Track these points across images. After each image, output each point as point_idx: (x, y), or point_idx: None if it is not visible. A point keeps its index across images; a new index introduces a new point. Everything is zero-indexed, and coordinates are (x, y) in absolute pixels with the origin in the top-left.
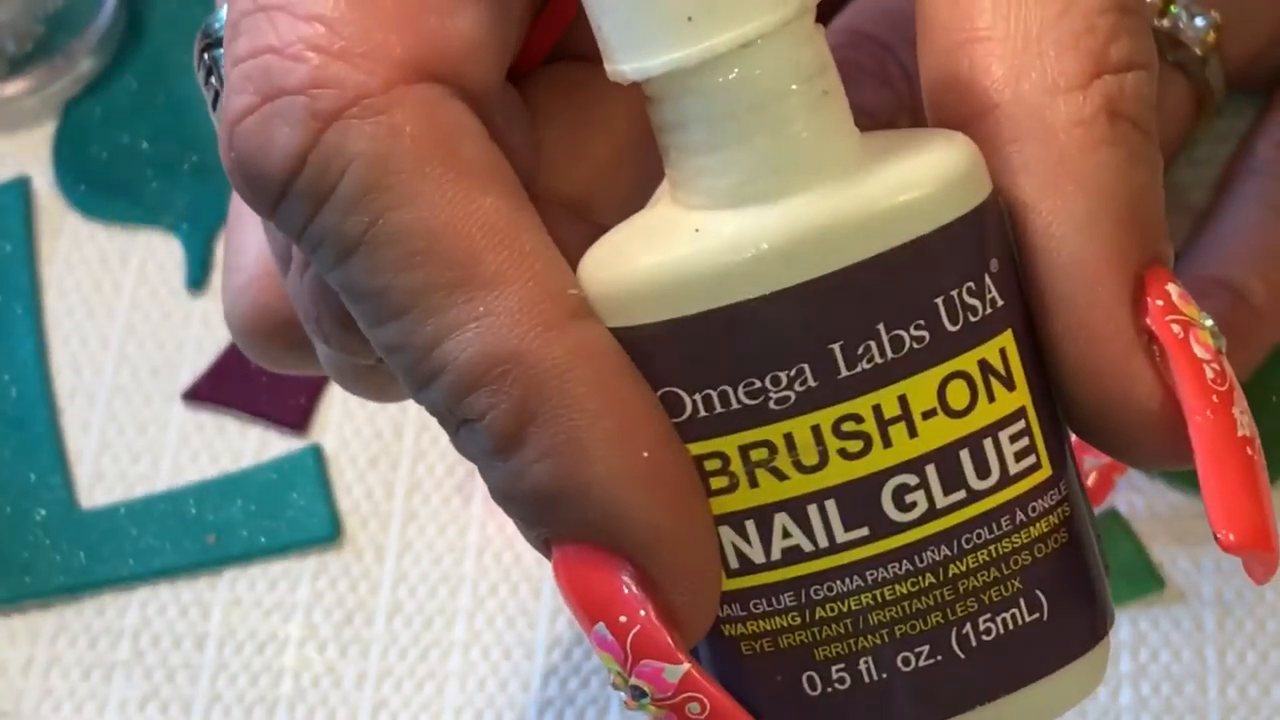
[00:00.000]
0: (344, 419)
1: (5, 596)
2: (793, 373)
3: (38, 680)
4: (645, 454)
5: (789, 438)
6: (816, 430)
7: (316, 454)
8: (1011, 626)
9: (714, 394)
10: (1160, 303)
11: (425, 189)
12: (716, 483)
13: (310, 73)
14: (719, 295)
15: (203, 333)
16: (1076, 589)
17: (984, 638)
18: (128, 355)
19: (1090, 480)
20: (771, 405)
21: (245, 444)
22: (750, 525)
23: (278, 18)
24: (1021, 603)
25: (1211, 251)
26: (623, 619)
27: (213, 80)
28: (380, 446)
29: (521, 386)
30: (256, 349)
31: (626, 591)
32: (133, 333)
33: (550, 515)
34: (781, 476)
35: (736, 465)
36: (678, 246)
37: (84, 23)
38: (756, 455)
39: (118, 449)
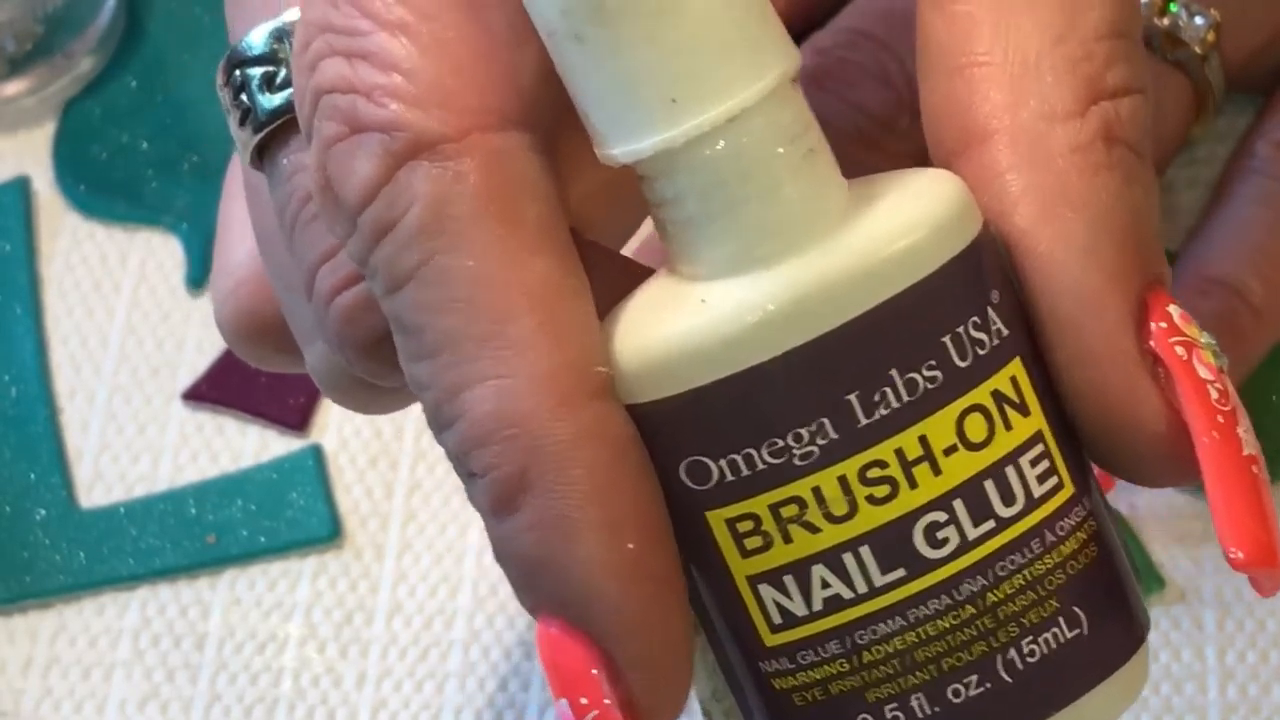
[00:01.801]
0: (344, 419)
1: (5, 596)
2: (813, 428)
3: (38, 680)
4: (630, 546)
5: (817, 491)
6: (843, 480)
7: (316, 454)
8: (1054, 645)
9: (739, 458)
10: (1163, 325)
11: (478, 239)
12: (751, 543)
13: (390, 117)
14: (733, 362)
15: (203, 333)
16: (1112, 599)
17: (1029, 660)
18: (127, 355)
19: None
20: (796, 462)
21: (245, 444)
22: (789, 580)
23: (359, 65)
24: (1061, 621)
25: (1211, 251)
26: (584, 700)
27: (242, 98)
28: (380, 446)
29: (525, 455)
30: (244, 349)
31: (593, 674)
32: (132, 332)
33: (533, 585)
34: (814, 530)
35: (769, 524)
36: (686, 319)
37: (84, 23)
38: (787, 512)
39: (117, 449)
